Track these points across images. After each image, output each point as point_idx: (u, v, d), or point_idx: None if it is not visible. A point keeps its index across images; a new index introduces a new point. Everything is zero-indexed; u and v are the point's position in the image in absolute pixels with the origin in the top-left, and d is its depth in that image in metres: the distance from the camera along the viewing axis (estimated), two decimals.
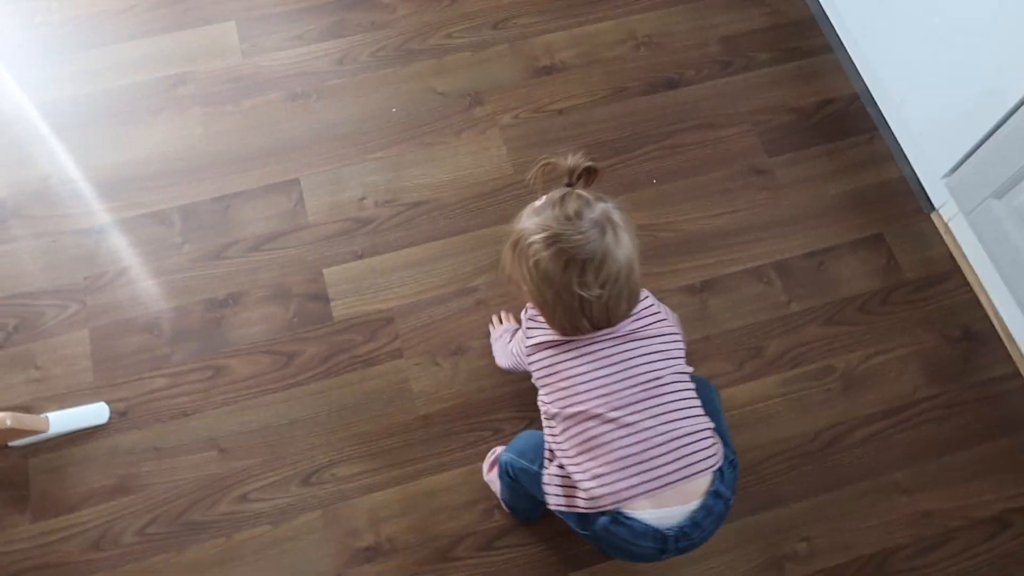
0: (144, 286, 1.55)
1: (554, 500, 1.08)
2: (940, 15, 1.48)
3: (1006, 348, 1.55)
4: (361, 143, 1.70)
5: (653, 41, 1.84)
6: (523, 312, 1.19)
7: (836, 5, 1.83)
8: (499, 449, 1.39)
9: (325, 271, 1.58)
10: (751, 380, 1.50)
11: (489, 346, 1.51)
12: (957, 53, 1.45)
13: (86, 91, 1.74)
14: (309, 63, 1.79)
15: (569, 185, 1.10)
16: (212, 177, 1.65)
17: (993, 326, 1.57)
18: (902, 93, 1.65)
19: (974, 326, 1.57)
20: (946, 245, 1.65)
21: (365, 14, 1.85)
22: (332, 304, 1.55)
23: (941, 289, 1.61)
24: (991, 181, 1.43)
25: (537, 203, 1.08)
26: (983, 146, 1.43)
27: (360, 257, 1.59)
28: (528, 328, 1.15)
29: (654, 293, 1.52)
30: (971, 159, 1.47)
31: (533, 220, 1.03)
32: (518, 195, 1.66)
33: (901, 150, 1.73)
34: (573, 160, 1.09)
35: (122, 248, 1.58)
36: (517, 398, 1.48)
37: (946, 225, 1.65)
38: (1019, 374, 1.52)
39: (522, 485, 1.21)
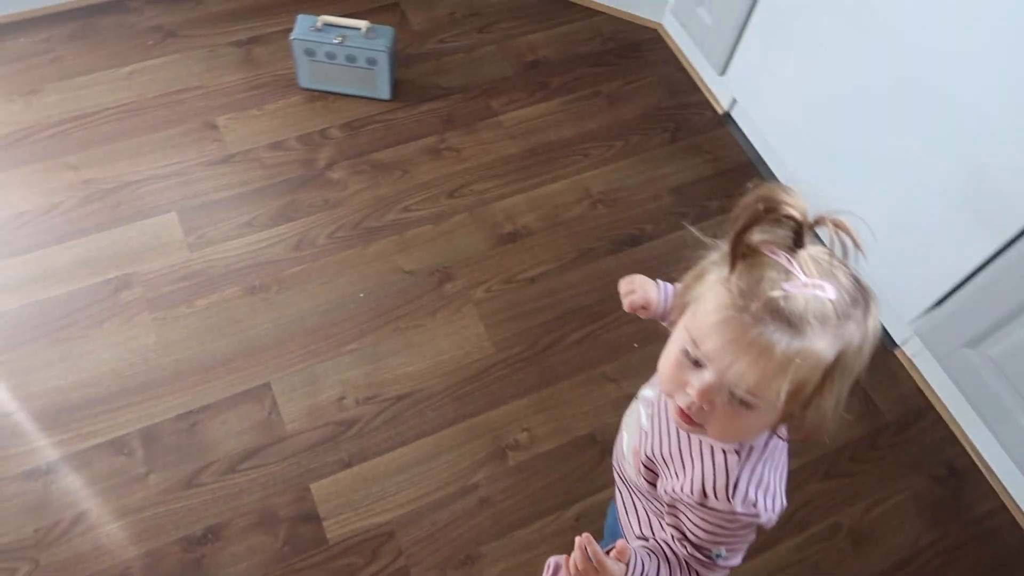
0: (107, 531, 1.36)
1: None
2: (894, 164, 1.56)
3: (988, 482, 1.62)
4: (332, 335, 1.60)
5: (609, 197, 1.86)
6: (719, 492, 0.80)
7: (772, 148, 1.92)
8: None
9: (312, 487, 1.45)
10: (764, 551, 1.49)
11: (504, 549, 1.42)
12: (921, 206, 1.54)
13: (14, 306, 1.56)
14: (264, 251, 1.68)
15: (797, 244, 0.68)
16: (172, 392, 1.50)
17: (973, 460, 1.64)
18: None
19: (956, 461, 1.63)
20: (914, 381, 1.72)
21: (316, 193, 1.77)
22: (325, 524, 1.42)
23: (919, 428, 1.67)
24: (963, 332, 1.50)
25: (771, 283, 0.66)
26: (952, 297, 1.51)
27: (348, 466, 1.48)
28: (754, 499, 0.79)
29: None
30: (940, 308, 1.54)
31: (836, 326, 0.66)
32: (503, 375, 1.60)
33: None
34: (806, 209, 0.67)
35: (76, 488, 1.39)
36: None
37: (911, 361, 1.73)
38: (1005, 508, 1.59)
39: None
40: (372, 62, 1.82)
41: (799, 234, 0.66)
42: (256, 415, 1.50)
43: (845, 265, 0.68)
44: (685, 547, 0.82)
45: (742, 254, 0.68)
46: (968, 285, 1.47)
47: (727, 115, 2.02)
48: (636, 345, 1.68)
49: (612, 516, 1.17)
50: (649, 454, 0.88)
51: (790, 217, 0.65)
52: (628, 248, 1.80)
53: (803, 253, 0.66)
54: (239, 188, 1.76)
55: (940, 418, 1.68)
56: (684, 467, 0.82)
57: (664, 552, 0.83)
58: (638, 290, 1.00)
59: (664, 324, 1.01)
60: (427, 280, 1.70)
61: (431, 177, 1.84)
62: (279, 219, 1.73)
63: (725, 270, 0.69)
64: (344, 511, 1.44)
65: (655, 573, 0.80)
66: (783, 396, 0.66)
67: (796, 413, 0.70)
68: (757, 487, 0.78)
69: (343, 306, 1.64)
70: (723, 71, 1.90)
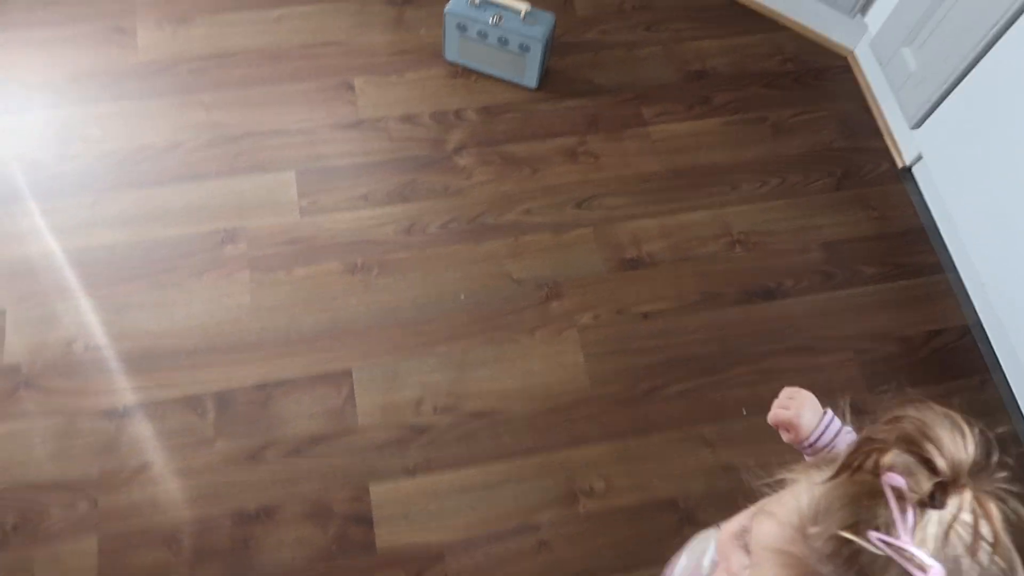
0: (167, 488, 1.36)
1: None
2: None
3: None
4: (424, 333, 1.53)
5: (750, 240, 1.68)
6: None
7: (952, 219, 1.67)
8: None
9: (372, 488, 1.39)
10: None
11: None
12: None
13: (123, 240, 1.56)
14: (373, 229, 1.62)
15: (933, 501, 0.50)
16: (255, 359, 1.47)
17: None
18: None
19: None
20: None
21: (438, 177, 1.68)
22: (377, 531, 1.36)
23: None
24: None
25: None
26: None
27: (412, 474, 1.41)
28: None
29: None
30: None
31: None
32: (593, 414, 1.48)
33: (1015, 400, 1.57)
34: (962, 464, 0.50)
35: (146, 438, 1.39)
36: None
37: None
38: None
39: None
40: (524, 48, 1.70)
41: (940, 493, 0.49)
42: (331, 401, 1.45)
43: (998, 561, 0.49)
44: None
45: (857, 466, 0.52)
46: None
47: (907, 170, 1.77)
48: (745, 412, 1.52)
49: None
50: None
51: (933, 470, 0.49)
52: (759, 301, 1.62)
53: (932, 514, 0.48)
54: (362, 157, 1.69)
55: None
56: None
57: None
58: (794, 407, 0.85)
59: (805, 455, 0.86)
60: (534, 293, 1.59)
61: (562, 181, 1.71)
62: (395, 198, 1.65)
63: (831, 470, 0.54)
64: (398, 521, 1.38)
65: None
66: None
67: None
68: None
69: (441, 304, 1.56)
70: (917, 124, 1.65)
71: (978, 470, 0.50)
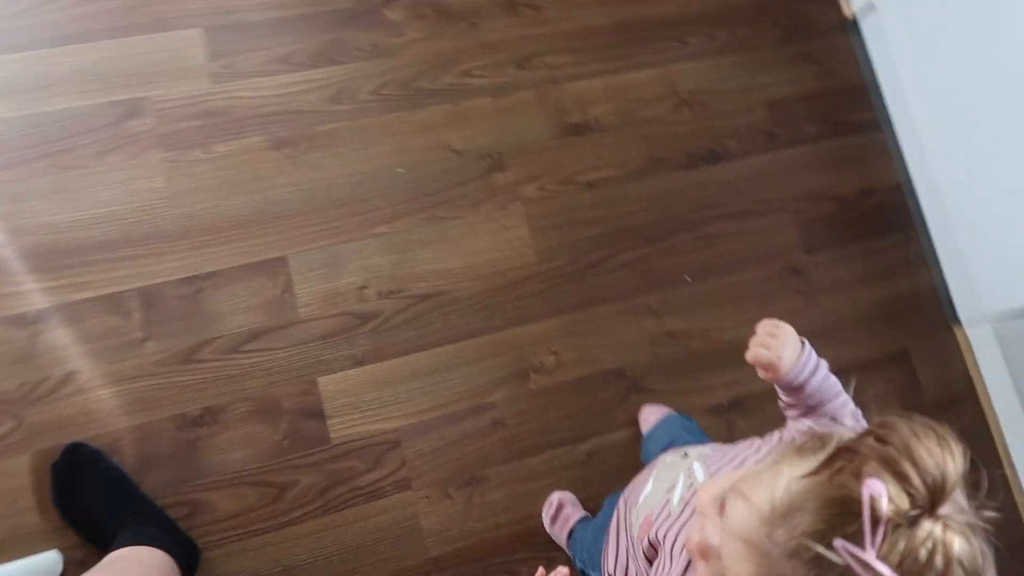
0: (97, 396, 1.27)
1: None
2: None
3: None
4: (361, 212, 1.43)
5: (696, 100, 1.61)
6: None
7: (897, 72, 1.64)
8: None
9: (320, 380, 1.35)
10: None
11: (510, 474, 1.36)
12: None
13: (7, 114, 1.34)
14: (297, 97, 1.45)
15: (906, 522, 0.50)
16: (179, 250, 1.35)
17: (999, 457, 1.57)
18: (961, 213, 1.54)
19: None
20: (965, 365, 1.61)
21: (366, 34, 1.50)
22: (329, 423, 1.34)
23: (955, 413, 1.58)
24: None
25: None
26: None
27: (361, 364, 1.37)
28: None
29: (681, 412, 1.41)
30: None
31: None
32: (540, 290, 1.46)
33: (935, 253, 1.64)
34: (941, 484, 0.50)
35: (66, 344, 1.28)
36: (534, 536, 1.36)
37: (968, 344, 1.60)
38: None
39: None
40: None
41: (915, 514, 0.49)
42: (267, 292, 1.37)
43: (964, 564, 0.49)
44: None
45: (837, 469, 0.52)
46: None
47: (854, 22, 1.71)
48: (688, 279, 1.53)
49: (605, 514, 1.08)
50: (659, 539, 0.78)
51: (911, 491, 0.49)
52: (703, 165, 1.59)
53: (902, 532, 0.48)
54: (279, 11, 1.48)
55: (980, 410, 1.59)
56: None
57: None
58: (775, 347, 0.82)
59: (782, 396, 0.86)
60: (476, 165, 1.49)
61: (501, 37, 1.56)
62: (320, 60, 1.47)
63: (811, 463, 0.54)
64: (351, 411, 1.35)
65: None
66: None
67: None
68: None
69: (377, 180, 1.45)
70: None
71: (954, 498, 0.50)
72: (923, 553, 0.48)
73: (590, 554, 1.08)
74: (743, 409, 1.49)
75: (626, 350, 1.48)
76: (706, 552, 0.60)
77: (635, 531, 0.86)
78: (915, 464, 0.49)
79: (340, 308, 1.39)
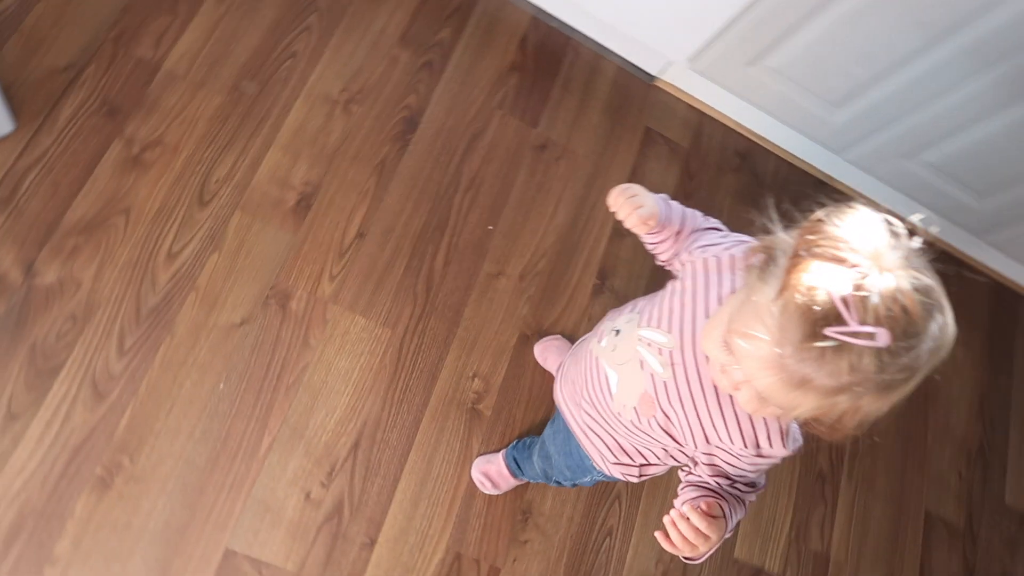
0: None
1: None
2: None
3: (774, 152, 1.90)
4: (237, 450, 1.28)
5: (353, 92, 1.56)
6: None
7: None
8: None
9: None
10: None
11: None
12: None
13: None
14: (71, 436, 1.20)
15: (863, 289, 0.63)
16: None
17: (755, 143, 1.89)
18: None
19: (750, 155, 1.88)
20: (684, 103, 1.86)
21: (48, 319, 1.24)
22: None
23: (706, 137, 1.85)
24: (744, 54, 1.62)
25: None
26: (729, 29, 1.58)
27: (375, 542, 1.31)
28: None
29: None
30: (716, 42, 1.62)
31: (877, 371, 0.63)
32: (418, 345, 1.44)
33: (602, 45, 1.80)
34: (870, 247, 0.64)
35: None
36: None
37: (675, 87, 1.84)
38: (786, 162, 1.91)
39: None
40: None
41: (866, 282, 0.61)
42: None
43: (920, 292, 0.62)
44: (735, 487, 0.87)
45: (793, 285, 0.63)
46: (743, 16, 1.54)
47: None
48: (491, 227, 1.58)
49: (558, 438, 1.16)
50: (670, 406, 0.87)
51: (855, 265, 0.62)
52: (411, 135, 1.58)
53: (864, 297, 0.61)
54: None
55: (723, 125, 1.87)
56: (727, 423, 0.83)
57: (720, 493, 0.87)
58: (642, 200, 0.89)
59: (650, 240, 0.95)
60: (267, 316, 1.37)
61: (161, 197, 1.37)
62: (37, 397, 1.21)
63: (775, 287, 0.65)
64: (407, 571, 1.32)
65: (732, 513, 0.85)
66: (807, 412, 0.68)
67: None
68: (793, 429, 0.83)
69: (214, 413, 1.29)
70: None
71: (892, 252, 0.63)
72: (888, 303, 0.61)
73: (566, 464, 1.15)
74: (610, 274, 1.64)
75: (510, 318, 1.53)
76: (738, 384, 0.72)
77: (629, 415, 0.92)
78: (850, 247, 0.62)
79: (312, 530, 1.29)
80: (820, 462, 1.72)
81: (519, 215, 1.61)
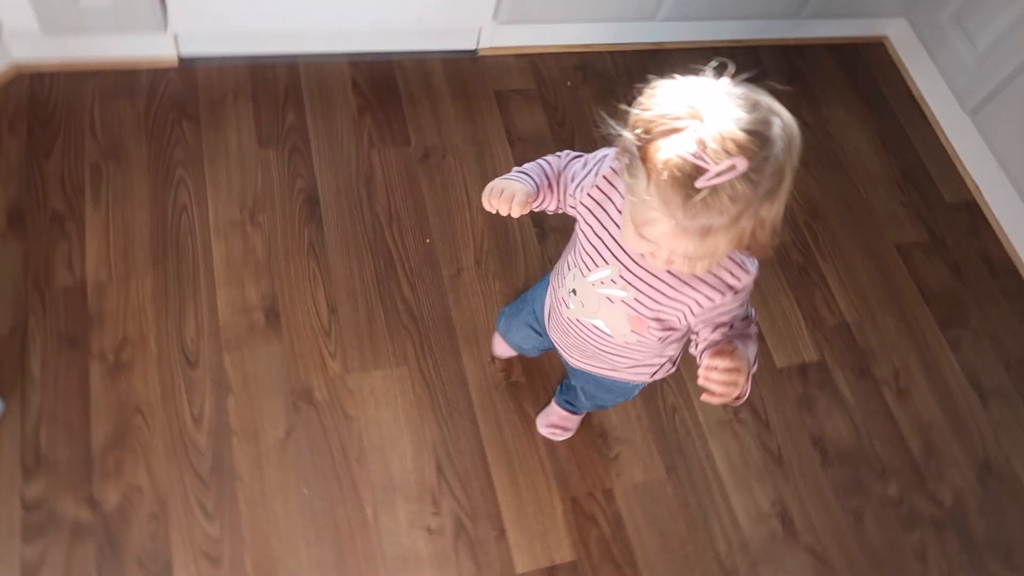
0: None
1: None
2: None
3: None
4: (352, 551, 1.39)
5: (253, 211, 1.67)
6: None
7: None
8: None
9: None
10: None
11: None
12: None
13: None
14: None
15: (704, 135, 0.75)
16: None
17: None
18: None
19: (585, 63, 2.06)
20: (512, 56, 2.03)
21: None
22: None
23: (546, 74, 2.03)
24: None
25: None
26: None
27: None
28: None
29: None
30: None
31: (754, 186, 0.74)
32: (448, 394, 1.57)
33: (416, 51, 1.96)
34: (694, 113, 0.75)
35: None
36: None
37: (496, 47, 2.01)
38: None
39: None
40: None
41: (701, 126, 0.73)
42: None
43: (748, 111, 0.74)
44: (735, 329, 0.97)
45: (654, 169, 0.75)
46: None
47: None
48: (428, 240, 1.72)
49: (588, 382, 1.30)
50: (652, 311, 0.98)
51: (689, 129, 0.74)
52: (318, 209, 1.70)
53: (707, 140, 0.72)
54: None
55: (548, 54, 2.05)
56: (697, 290, 0.94)
57: (733, 335, 0.97)
58: (515, 192, 0.98)
59: (536, 209, 1.05)
60: (303, 417, 1.47)
61: (158, 382, 1.45)
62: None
63: (643, 176, 0.77)
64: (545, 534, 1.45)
65: (745, 346, 0.94)
66: (726, 248, 0.80)
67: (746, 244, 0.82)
68: (739, 257, 0.93)
69: (314, 515, 1.39)
70: None
71: (706, 100, 0.74)
72: (728, 136, 0.72)
73: (609, 394, 1.32)
74: (542, 220, 1.80)
75: (489, 297, 1.68)
76: (669, 260, 0.83)
77: (633, 338, 1.05)
78: (672, 116, 0.75)
79: (449, 551, 1.40)
80: (794, 257, 1.92)
81: (443, 218, 1.75)
